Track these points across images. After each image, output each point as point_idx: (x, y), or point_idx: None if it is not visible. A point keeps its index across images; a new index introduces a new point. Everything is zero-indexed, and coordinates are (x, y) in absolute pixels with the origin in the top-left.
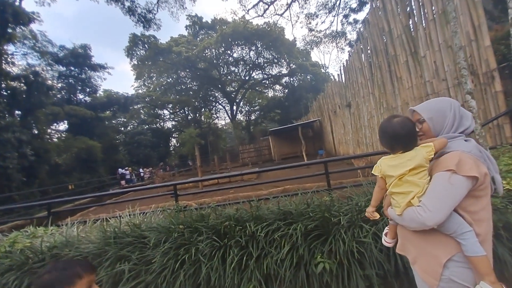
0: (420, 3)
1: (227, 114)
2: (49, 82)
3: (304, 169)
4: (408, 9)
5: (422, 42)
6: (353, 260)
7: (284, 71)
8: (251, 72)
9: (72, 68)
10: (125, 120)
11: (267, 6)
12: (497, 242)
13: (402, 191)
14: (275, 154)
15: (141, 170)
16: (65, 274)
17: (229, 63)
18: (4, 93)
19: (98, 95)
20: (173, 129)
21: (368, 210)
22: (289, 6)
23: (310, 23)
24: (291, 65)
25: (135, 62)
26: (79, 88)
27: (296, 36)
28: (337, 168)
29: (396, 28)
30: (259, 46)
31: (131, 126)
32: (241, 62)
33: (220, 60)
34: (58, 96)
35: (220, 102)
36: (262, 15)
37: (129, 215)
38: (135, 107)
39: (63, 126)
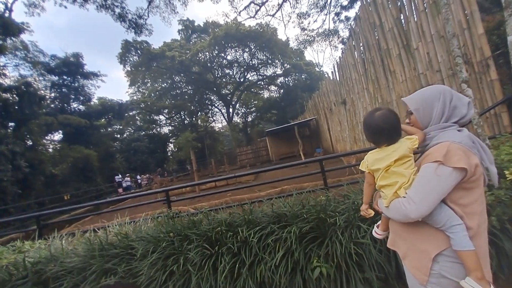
0: None
1: (224, 116)
2: (42, 92)
3: (302, 168)
4: (399, 3)
5: (414, 34)
6: (351, 263)
7: (279, 71)
8: (245, 73)
9: (65, 77)
10: (120, 127)
11: (258, 7)
12: (503, 236)
13: (389, 183)
14: (272, 155)
15: (138, 177)
16: None
17: (223, 65)
18: None
19: (92, 103)
20: (170, 134)
21: (362, 208)
22: (280, 6)
23: (302, 22)
24: (285, 65)
25: (129, 69)
26: (73, 97)
27: (289, 36)
28: (335, 165)
29: (388, 21)
30: (252, 47)
31: (127, 133)
32: (235, 64)
33: (214, 63)
34: (52, 106)
35: (216, 105)
36: (254, 17)
37: (118, 224)
38: (130, 113)
39: (58, 136)
